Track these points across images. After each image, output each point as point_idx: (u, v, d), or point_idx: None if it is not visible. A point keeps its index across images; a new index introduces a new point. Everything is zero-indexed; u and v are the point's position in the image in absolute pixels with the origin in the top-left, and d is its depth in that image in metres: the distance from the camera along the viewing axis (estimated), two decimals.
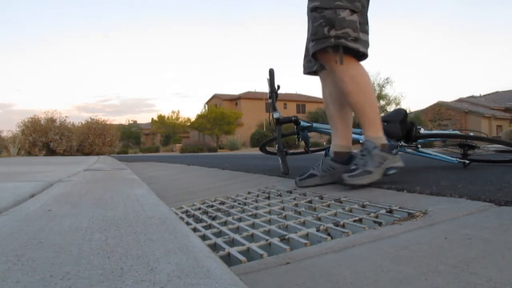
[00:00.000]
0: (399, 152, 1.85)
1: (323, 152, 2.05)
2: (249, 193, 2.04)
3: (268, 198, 1.81)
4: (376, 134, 1.65)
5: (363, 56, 1.66)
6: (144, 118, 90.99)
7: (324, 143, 16.10)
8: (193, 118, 42.70)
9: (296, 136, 2.75)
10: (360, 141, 2.33)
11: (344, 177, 1.60)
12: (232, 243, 1.12)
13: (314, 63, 1.93)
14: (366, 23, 1.68)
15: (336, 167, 1.85)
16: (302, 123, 2.68)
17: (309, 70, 2.00)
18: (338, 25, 1.56)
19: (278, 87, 2.68)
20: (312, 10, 1.61)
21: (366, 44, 1.66)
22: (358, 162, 1.63)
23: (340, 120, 1.91)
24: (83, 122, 21.96)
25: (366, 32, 1.67)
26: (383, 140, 1.66)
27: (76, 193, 1.44)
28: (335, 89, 1.89)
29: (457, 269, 0.71)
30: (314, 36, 1.61)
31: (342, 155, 1.87)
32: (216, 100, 44.78)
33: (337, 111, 1.91)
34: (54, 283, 0.49)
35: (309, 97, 45.13)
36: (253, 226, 1.34)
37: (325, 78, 1.95)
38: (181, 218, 1.61)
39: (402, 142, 2.45)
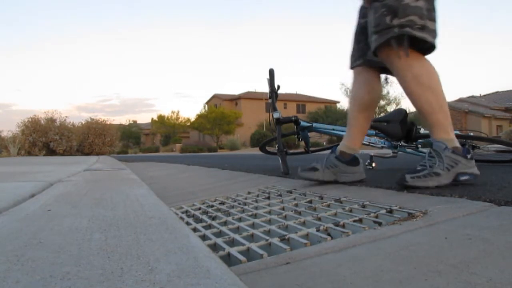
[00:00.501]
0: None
1: (323, 152, 2.05)
2: (249, 193, 2.04)
3: (268, 198, 1.81)
4: (448, 135, 1.51)
5: (430, 48, 1.50)
6: (144, 118, 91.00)
7: (324, 143, 16.11)
8: (193, 118, 42.74)
9: (296, 136, 2.76)
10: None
11: (407, 177, 1.46)
12: (232, 243, 1.12)
13: (356, 57, 1.83)
14: (433, 9, 1.49)
15: (338, 165, 1.83)
16: (302, 123, 2.69)
17: (350, 67, 1.91)
18: (402, 13, 1.41)
19: (278, 87, 2.69)
20: (374, 0, 1.49)
21: (434, 33, 1.48)
22: (426, 163, 1.49)
23: (356, 123, 1.86)
24: (83, 122, 21.99)
25: (433, 19, 1.48)
26: (456, 143, 1.51)
27: (76, 193, 1.44)
28: (360, 90, 1.83)
29: (457, 269, 0.71)
30: (376, 28, 1.48)
31: (347, 155, 1.85)
32: (216, 100, 44.78)
33: (358, 112, 1.85)
34: (54, 283, 0.49)
35: (309, 97, 45.14)
36: (253, 226, 1.34)
37: (357, 76, 1.87)
38: (181, 218, 1.61)
39: (402, 142, 2.45)
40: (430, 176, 1.46)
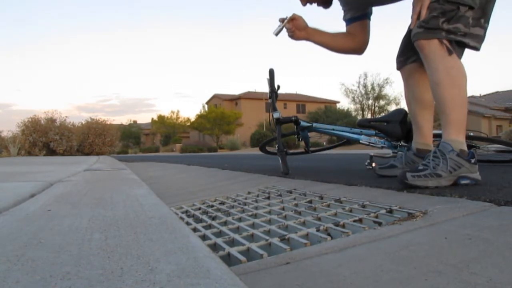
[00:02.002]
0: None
1: (324, 152, 2.07)
2: (249, 193, 2.04)
3: (268, 198, 1.81)
4: (458, 137, 1.52)
5: (473, 48, 1.62)
6: (144, 118, 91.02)
7: (324, 143, 16.10)
8: (193, 118, 42.73)
9: (296, 136, 2.76)
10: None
11: (408, 176, 1.49)
12: (232, 243, 1.12)
13: (408, 56, 1.91)
14: (483, 16, 1.60)
15: (417, 161, 1.89)
16: (302, 123, 2.69)
17: (399, 66, 1.99)
18: (454, 20, 1.53)
19: (278, 87, 2.69)
20: (433, 1, 1.57)
21: (478, 38, 1.60)
22: (429, 162, 1.51)
23: (421, 119, 1.92)
24: (83, 122, 21.97)
25: (480, 26, 1.60)
26: (463, 145, 1.52)
27: (76, 193, 1.44)
28: (418, 88, 1.89)
29: (457, 269, 0.71)
30: (426, 24, 1.56)
31: (424, 151, 1.89)
32: (216, 100, 44.77)
33: (420, 109, 1.91)
34: (54, 283, 0.49)
35: (309, 97, 45.15)
36: (253, 226, 1.34)
37: (408, 76, 1.94)
38: (181, 218, 1.61)
39: (402, 142, 2.45)
40: (431, 176, 1.47)
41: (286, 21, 2.06)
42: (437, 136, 2.60)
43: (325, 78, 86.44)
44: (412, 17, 1.63)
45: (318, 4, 2.00)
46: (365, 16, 2.06)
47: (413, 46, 1.89)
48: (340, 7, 2.08)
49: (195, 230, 1.32)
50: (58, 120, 19.83)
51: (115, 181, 2.02)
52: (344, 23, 2.11)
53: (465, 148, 1.52)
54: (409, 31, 1.90)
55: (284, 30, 2.09)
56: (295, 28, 2.09)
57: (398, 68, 2.02)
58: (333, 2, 2.06)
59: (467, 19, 1.55)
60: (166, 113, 60.82)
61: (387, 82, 35.75)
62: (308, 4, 2.01)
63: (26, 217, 0.94)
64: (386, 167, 2.00)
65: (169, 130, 45.61)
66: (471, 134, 2.62)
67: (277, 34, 2.09)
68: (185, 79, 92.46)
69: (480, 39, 1.61)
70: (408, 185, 1.48)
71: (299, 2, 2.04)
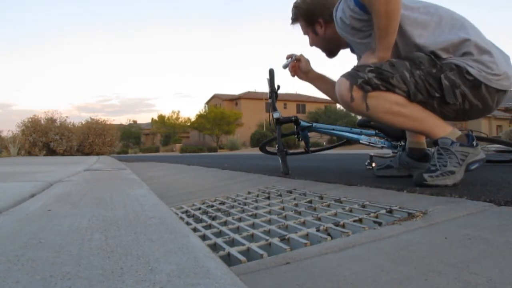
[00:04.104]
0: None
1: (323, 152, 2.08)
2: (249, 193, 2.04)
3: (268, 198, 1.81)
4: (446, 131, 1.52)
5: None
6: (144, 118, 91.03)
7: (324, 143, 16.09)
8: (193, 118, 42.72)
9: (296, 136, 2.75)
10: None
11: (425, 177, 1.49)
12: (232, 243, 1.12)
13: None
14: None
15: (410, 162, 1.93)
16: (302, 123, 2.68)
17: None
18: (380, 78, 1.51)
19: (278, 87, 2.68)
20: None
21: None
22: (437, 162, 1.50)
23: None
24: (83, 122, 21.98)
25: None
26: (457, 132, 1.52)
27: (76, 193, 1.44)
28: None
29: (457, 269, 0.71)
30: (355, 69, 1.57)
31: (416, 151, 1.93)
32: (216, 100, 44.77)
33: None
34: (54, 283, 0.49)
35: (309, 97, 45.13)
36: (253, 226, 1.34)
37: None
38: (181, 218, 1.61)
39: (402, 142, 2.45)
40: (447, 174, 1.48)
41: (292, 59, 2.17)
42: None
43: None
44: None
45: (323, 51, 2.01)
46: None
47: None
48: (345, 55, 2.09)
49: (195, 230, 1.32)
50: (58, 120, 19.85)
51: (115, 181, 2.02)
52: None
53: (459, 132, 1.53)
54: None
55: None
56: (299, 69, 2.19)
57: None
58: (339, 53, 2.06)
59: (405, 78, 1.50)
60: (166, 113, 60.89)
61: None
62: (314, 47, 2.03)
63: (26, 217, 0.94)
64: (383, 168, 2.03)
65: (169, 130, 45.61)
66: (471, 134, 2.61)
67: (285, 68, 2.20)
68: (185, 79, 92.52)
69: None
70: (429, 185, 1.48)
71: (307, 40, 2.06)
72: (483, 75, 1.45)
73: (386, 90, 1.49)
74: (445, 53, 1.50)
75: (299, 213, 1.43)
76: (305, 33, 2.01)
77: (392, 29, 1.47)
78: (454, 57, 1.50)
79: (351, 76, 1.52)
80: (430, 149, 1.94)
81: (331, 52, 2.02)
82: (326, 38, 1.94)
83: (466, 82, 1.46)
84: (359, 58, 1.82)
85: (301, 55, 2.21)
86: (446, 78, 1.46)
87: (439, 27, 1.51)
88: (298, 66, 2.20)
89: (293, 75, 2.21)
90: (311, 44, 2.02)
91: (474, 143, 1.51)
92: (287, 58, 2.19)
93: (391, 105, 1.51)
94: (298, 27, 2.02)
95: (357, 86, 1.50)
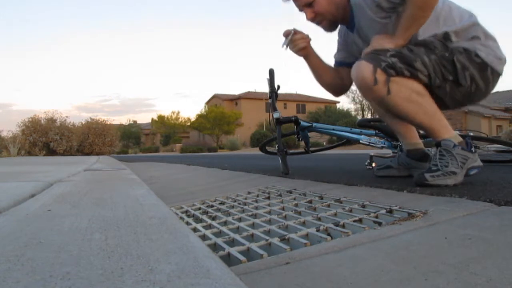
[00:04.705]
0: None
1: (323, 152, 2.07)
2: (249, 193, 2.04)
3: (268, 198, 1.81)
4: (450, 133, 1.55)
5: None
6: (144, 118, 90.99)
7: (324, 143, 16.08)
8: (193, 118, 42.72)
9: (296, 136, 2.76)
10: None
11: (427, 176, 1.50)
12: (232, 243, 1.12)
13: None
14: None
15: (410, 162, 1.94)
16: (302, 123, 2.69)
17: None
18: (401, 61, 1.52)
19: (278, 87, 2.68)
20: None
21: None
22: (439, 162, 1.52)
23: (400, 126, 1.95)
24: (83, 122, 22.00)
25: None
26: (459, 137, 1.55)
27: (76, 193, 1.44)
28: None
29: (457, 269, 0.71)
30: (374, 52, 1.55)
31: (415, 152, 1.92)
32: (216, 100, 44.76)
33: (396, 120, 1.92)
34: (54, 283, 0.49)
35: (309, 97, 45.12)
36: (253, 226, 1.34)
37: None
38: (181, 218, 1.61)
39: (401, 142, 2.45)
40: (448, 174, 1.49)
41: (292, 34, 1.98)
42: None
43: None
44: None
45: (323, 25, 1.83)
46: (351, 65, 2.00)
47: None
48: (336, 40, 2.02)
49: (195, 230, 1.32)
50: (58, 120, 19.86)
51: (115, 181, 2.02)
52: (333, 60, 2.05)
53: (461, 138, 1.56)
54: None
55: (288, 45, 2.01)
56: (302, 37, 1.96)
57: None
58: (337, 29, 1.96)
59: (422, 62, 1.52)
60: (166, 113, 60.88)
61: None
62: (311, 22, 1.82)
63: (26, 217, 0.94)
64: (383, 168, 2.03)
65: (169, 130, 45.60)
66: (471, 134, 2.61)
67: (284, 46, 2.04)
68: (185, 79, 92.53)
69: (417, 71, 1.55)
70: (429, 185, 1.49)
71: (303, 15, 1.83)
72: (490, 59, 1.52)
73: (410, 75, 1.50)
74: (455, 36, 1.54)
75: (299, 213, 1.43)
76: (304, 3, 1.75)
77: (422, 21, 1.50)
78: (462, 41, 1.54)
79: (374, 59, 1.51)
80: (429, 149, 1.94)
81: (334, 22, 1.81)
82: (335, 1, 1.72)
83: (474, 65, 1.52)
84: (362, 34, 1.74)
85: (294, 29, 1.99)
86: (458, 60, 1.51)
87: (450, 16, 1.56)
88: (298, 39, 1.97)
89: (295, 46, 1.96)
90: (312, 17, 1.75)
91: (473, 149, 1.55)
92: (285, 35, 1.96)
93: (411, 93, 1.52)
94: (291, 4, 1.80)
95: (381, 70, 1.49)
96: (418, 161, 1.91)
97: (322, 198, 1.61)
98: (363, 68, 1.52)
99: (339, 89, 2.05)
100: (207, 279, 0.51)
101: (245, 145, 31.87)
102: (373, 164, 2.37)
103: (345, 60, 1.96)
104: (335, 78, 2.00)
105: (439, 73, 1.51)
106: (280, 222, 1.29)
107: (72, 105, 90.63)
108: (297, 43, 1.95)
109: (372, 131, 2.60)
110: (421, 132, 2.23)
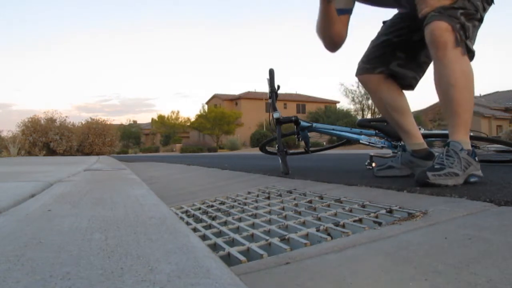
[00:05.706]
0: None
1: (323, 152, 2.07)
2: (249, 193, 2.04)
3: (268, 198, 1.81)
4: (465, 137, 1.57)
5: (471, 57, 1.62)
6: (144, 118, 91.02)
7: (324, 143, 16.09)
8: (193, 118, 42.72)
9: (296, 136, 2.76)
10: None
11: (429, 175, 1.49)
12: (232, 243, 1.12)
13: (373, 65, 1.93)
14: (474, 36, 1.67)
15: (414, 161, 1.94)
16: (302, 123, 2.69)
17: (364, 72, 1.99)
18: (469, 20, 1.55)
19: (278, 87, 2.69)
20: (452, 8, 1.57)
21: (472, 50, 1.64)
22: (444, 162, 1.52)
23: (406, 124, 1.96)
24: (83, 122, 22.01)
25: (473, 40, 1.66)
26: (469, 145, 1.57)
27: (76, 193, 1.44)
28: (390, 96, 1.93)
29: (457, 269, 0.71)
30: (444, 11, 1.54)
31: (420, 151, 1.93)
32: (216, 100, 44.77)
33: (401, 116, 1.94)
34: (54, 283, 0.49)
35: (309, 97, 45.15)
36: (253, 226, 1.34)
37: (376, 86, 1.96)
38: (181, 218, 1.61)
39: (402, 142, 2.45)
40: (450, 175, 1.49)
41: None
42: (437, 136, 2.60)
43: (325, 78, 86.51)
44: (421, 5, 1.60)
45: None
46: (351, 11, 1.99)
47: (381, 56, 1.91)
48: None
49: (195, 230, 1.32)
50: (58, 120, 19.86)
51: (115, 181, 2.02)
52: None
53: (470, 147, 1.57)
54: (384, 34, 1.94)
55: None
56: None
57: (360, 74, 2.02)
58: None
59: (474, 28, 1.58)
60: (166, 113, 60.84)
61: None
62: None
63: (26, 217, 0.94)
64: (384, 168, 2.03)
65: (169, 130, 45.60)
66: (471, 134, 2.62)
67: None
68: (185, 79, 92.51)
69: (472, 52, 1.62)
70: (430, 184, 1.49)
71: None
72: None
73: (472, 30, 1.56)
74: None
75: (299, 213, 1.43)
76: None
77: None
78: None
79: (450, 19, 1.52)
80: (435, 148, 1.95)
81: None
82: None
83: None
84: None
85: None
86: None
87: None
88: None
89: None
90: None
91: (477, 158, 1.57)
92: None
93: (471, 70, 1.56)
94: None
95: (457, 31, 1.51)
96: (424, 159, 1.91)
97: (322, 198, 1.61)
98: (442, 28, 1.51)
99: (339, 40, 2.01)
100: (207, 279, 0.51)
101: (245, 145, 31.87)
102: (373, 164, 2.37)
103: (346, 7, 1.93)
104: (341, 28, 1.95)
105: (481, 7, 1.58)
106: (280, 222, 1.29)
107: (72, 105, 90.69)
108: None
109: (372, 131, 2.60)
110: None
